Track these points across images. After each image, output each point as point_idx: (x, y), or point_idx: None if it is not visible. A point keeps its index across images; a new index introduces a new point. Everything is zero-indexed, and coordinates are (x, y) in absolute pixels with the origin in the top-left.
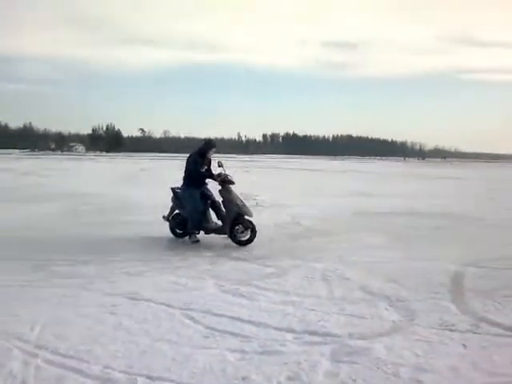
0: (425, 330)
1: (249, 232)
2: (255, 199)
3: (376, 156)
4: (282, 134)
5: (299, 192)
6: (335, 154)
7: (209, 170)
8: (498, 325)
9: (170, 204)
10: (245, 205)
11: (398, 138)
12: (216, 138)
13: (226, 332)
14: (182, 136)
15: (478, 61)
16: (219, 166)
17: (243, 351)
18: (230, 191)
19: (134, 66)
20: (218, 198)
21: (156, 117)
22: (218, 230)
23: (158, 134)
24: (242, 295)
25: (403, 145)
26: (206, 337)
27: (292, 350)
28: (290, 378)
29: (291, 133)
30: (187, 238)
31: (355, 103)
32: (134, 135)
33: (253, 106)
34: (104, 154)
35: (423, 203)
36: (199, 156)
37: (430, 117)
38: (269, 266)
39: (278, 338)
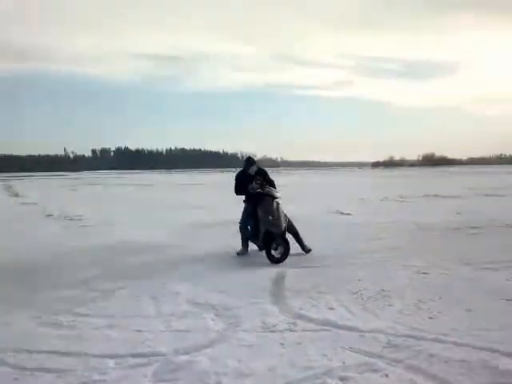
0: (248, 334)
1: (282, 249)
2: (80, 219)
3: (210, 167)
4: (113, 148)
5: (126, 209)
6: (169, 168)
7: (261, 182)
8: (313, 320)
9: None
10: (277, 219)
11: (229, 150)
12: (39, 155)
13: (39, 369)
14: None
15: (306, 78)
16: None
17: None
18: (265, 205)
19: None
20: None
21: None
22: (260, 247)
23: None
24: (61, 325)
25: (234, 156)
26: (16, 379)
27: (113, 377)
28: None
29: (123, 147)
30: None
31: (187, 116)
32: None
33: (81, 120)
34: None
35: None
36: (242, 173)
37: (260, 129)
38: (93, 289)
39: (98, 366)
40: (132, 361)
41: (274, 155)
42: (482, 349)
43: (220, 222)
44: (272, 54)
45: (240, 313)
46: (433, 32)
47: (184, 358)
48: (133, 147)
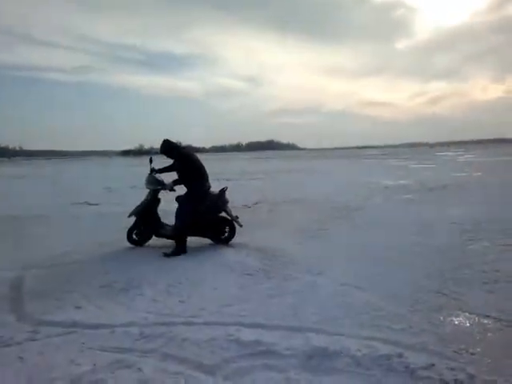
0: None
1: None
2: None
3: None
4: None
5: None
6: None
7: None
8: (58, 324)
9: None
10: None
11: None
12: None
13: None
14: None
15: (35, 58)
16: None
17: None
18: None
19: None
20: None
21: None
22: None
23: None
24: None
25: None
26: None
27: None
28: None
29: None
30: None
31: None
32: None
33: None
34: None
35: None
36: None
37: None
38: None
39: None
40: None
41: (9, 143)
42: (227, 324)
43: None
44: (5, 31)
45: None
46: (177, 26)
47: None
48: None
